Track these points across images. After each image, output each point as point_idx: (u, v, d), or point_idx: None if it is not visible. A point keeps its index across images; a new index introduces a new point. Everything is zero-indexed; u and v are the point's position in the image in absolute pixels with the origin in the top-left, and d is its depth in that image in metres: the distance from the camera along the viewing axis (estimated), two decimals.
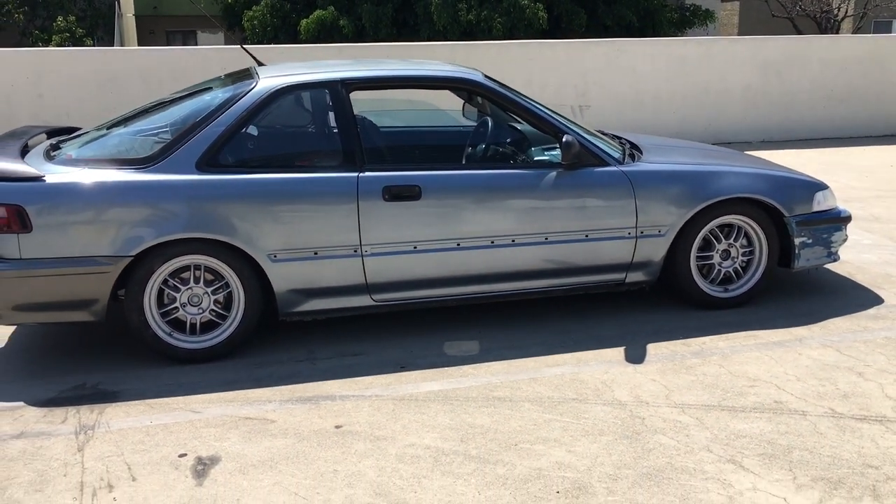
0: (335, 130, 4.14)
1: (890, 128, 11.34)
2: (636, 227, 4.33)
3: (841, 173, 8.79)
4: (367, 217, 4.00)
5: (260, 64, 4.66)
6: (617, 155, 4.45)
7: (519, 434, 3.24)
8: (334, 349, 4.14)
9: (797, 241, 4.55)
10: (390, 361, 3.98)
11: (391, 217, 4.04)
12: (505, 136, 4.55)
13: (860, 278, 5.10)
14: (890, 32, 32.44)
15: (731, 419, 3.33)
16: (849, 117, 11.23)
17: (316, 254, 3.99)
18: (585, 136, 4.40)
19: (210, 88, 4.33)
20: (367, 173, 4.03)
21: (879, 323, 4.34)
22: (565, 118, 4.73)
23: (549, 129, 4.30)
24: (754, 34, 21.47)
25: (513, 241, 4.21)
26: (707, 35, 27.28)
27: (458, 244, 4.15)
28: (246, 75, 4.30)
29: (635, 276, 4.44)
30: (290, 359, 4.03)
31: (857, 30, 28.50)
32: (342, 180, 4.00)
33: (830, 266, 5.32)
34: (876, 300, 4.70)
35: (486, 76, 4.51)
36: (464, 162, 4.55)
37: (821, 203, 4.64)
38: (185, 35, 35.40)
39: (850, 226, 6.31)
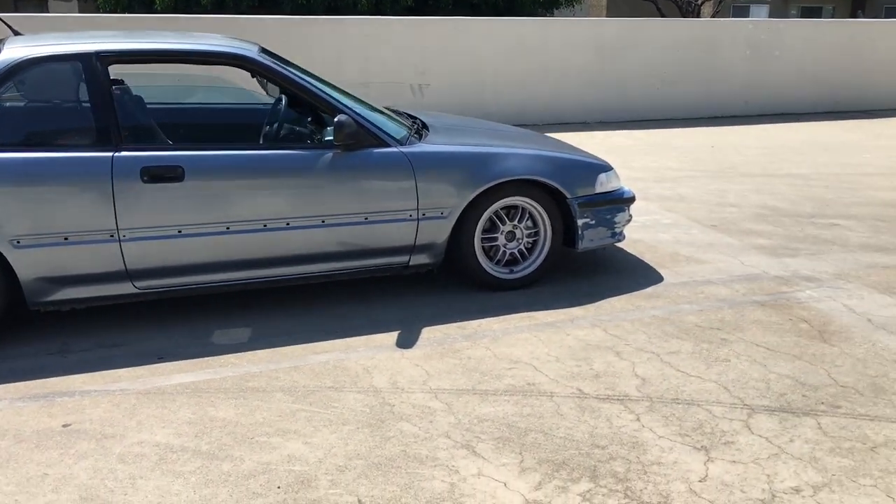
0: (88, 106, 3.87)
1: (718, 109, 11.83)
2: (418, 210, 4.27)
3: (663, 153, 9.09)
4: (124, 199, 3.77)
5: (16, 33, 4.32)
6: (399, 135, 4.37)
7: (260, 427, 3.12)
8: (93, 340, 3.90)
9: (580, 222, 4.61)
10: (150, 352, 3.78)
11: (151, 200, 3.82)
12: (287, 115, 4.39)
13: (649, 257, 5.25)
14: (748, 16, 34.00)
15: (479, 403, 3.32)
16: (680, 99, 11.65)
17: (66, 239, 3.73)
18: (366, 115, 4.29)
19: None
20: (124, 153, 3.80)
21: (652, 302, 4.46)
22: (353, 98, 4.63)
23: (325, 107, 4.17)
24: (621, 17, 21.95)
25: (287, 224, 4.07)
26: (574, 17, 27.83)
27: (228, 228, 3.97)
28: None
29: (420, 259, 4.39)
30: (39, 351, 3.77)
31: (715, 13, 29.66)
32: (94, 160, 3.75)
33: (624, 245, 5.45)
34: (657, 279, 4.84)
35: (262, 51, 4.34)
36: (234, 141, 4.36)
37: (603, 184, 4.72)
38: (39, 2, 33.47)
39: (653, 206, 6.54)
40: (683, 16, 27.80)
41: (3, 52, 3.77)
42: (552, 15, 22.17)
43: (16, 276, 3.71)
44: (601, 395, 3.38)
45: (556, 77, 10.95)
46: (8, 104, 3.83)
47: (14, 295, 3.78)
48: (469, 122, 5.45)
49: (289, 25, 9.59)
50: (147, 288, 3.95)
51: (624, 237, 4.89)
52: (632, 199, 4.88)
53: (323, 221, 4.13)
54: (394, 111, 5.15)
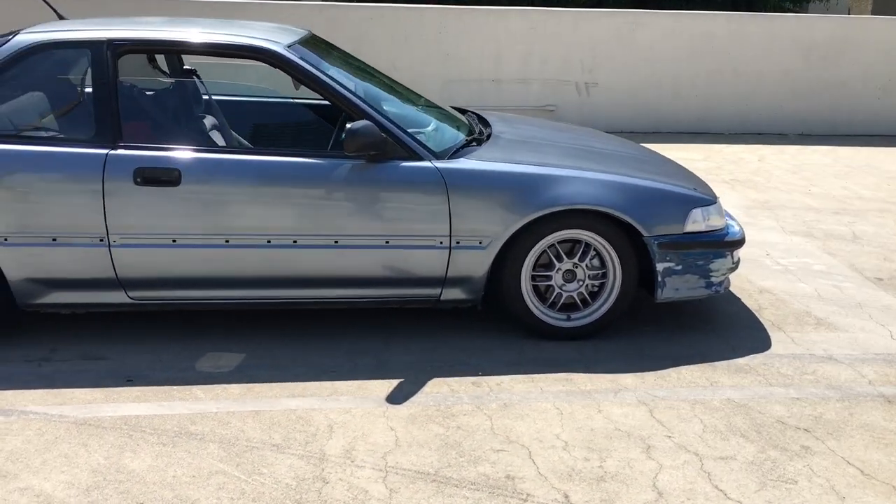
0: (91, 99, 3.59)
1: None
2: (450, 236, 3.62)
3: (861, 178, 7.61)
4: (115, 202, 3.46)
5: (60, 17, 4.17)
6: (441, 147, 3.73)
7: (161, 489, 2.65)
8: (80, 350, 3.64)
9: (660, 266, 3.73)
10: (125, 371, 3.45)
11: (144, 204, 3.49)
12: (309, 117, 3.89)
13: (768, 314, 4.20)
14: None
15: (431, 495, 2.63)
16: None
17: (55, 240, 3.49)
18: (399, 122, 3.68)
19: None
20: (120, 151, 3.48)
21: (736, 378, 3.49)
22: (405, 98, 4.07)
23: (351, 110, 3.61)
24: (889, 14, 19.35)
25: (294, 241, 3.58)
26: (828, 13, 25.02)
27: (227, 241, 3.55)
28: (16, 31, 3.79)
29: (453, 294, 3.74)
30: (19, 357, 3.55)
31: None
32: (86, 157, 3.46)
33: (743, 295, 4.42)
34: (761, 346, 3.82)
35: (308, 41, 3.88)
36: (243, 144, 3.89)
37: (698, 222, 3.78)
38: None
39: (812, 245, 5.37)
40: None
41: (16, 36, 3.58)
42: (804, 10, 19.73)
43: (3, 275, 3.51)
44: None
45: (749, 81, 9.61)
46: (9, 92, 3.62)
47: (5, 295, 3.58)
48: (553, 135, 4.64)
49: (448, 15, 9.09)
50: (142, 299, 3.63)
51: (725, 288, 3.92)
52: (738, 243, 3.90)
53: (336, 242, 3.59)
54: (467, 115, 4.51)
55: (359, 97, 3.65)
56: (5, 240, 3.45)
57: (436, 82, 8.99)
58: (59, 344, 3.69)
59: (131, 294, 3.60)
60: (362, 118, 3.56)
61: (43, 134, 3.60)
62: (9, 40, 3.56)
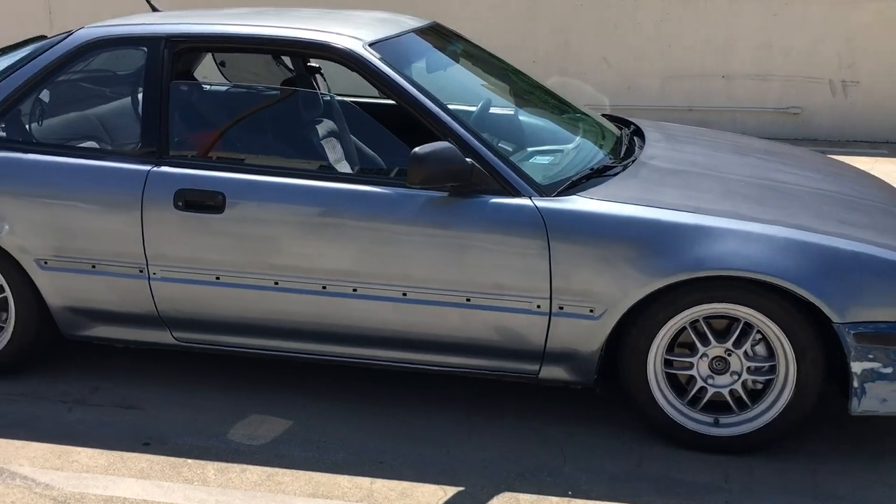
0: (141, 105, 3.08)
1: None
2: (550, 299, 2.71)
3: None
4: (154, 228, 2.95)
5: (154, 9, 3.73)
6: (551, 179, 2.81)
7: None
8: (118, 393, 3.16)
9: (858, 367, 2.55)
10: (150, 430, 2.92)
11: (185, 232, 2.95)
12: (382, 133, 3.11)
13: None
14: None
15: None
16: None
17: (94, 267, 3.03)
18: (491, 143, 2.82)
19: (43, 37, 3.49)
20: (164, 168, 2.95)
21: None
22: (553, 110, 3.26)
23: (434, 127, 2.80)
24: None
25: (354, 289, 2.85)
26: None
27: (276, 282, 2.91)
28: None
29: (555, 372, 2.82)
30: (55, 394, 3.14)
31: None
32: (127, 174, 2.97)
33: None
34: None
35: (415, 33, 3.19)
36: (313, 167, 3.16)
37: None
38: None
39: None
40: None
41: (77, 32, 3.16)
42: None
43: (45, 302, 3.12)
44: None
45: None
46: (60, 95, 3.21)
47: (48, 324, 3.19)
48: (726, 161, 3.38)
49: (679, 3, 7.85)
50: (187, 341, 3.09)
51: None
52: None
53: (404, 294, 2.82)
54: (625, 129, 3.53)
55: (445, 109, 2.82)
56: (45, 263, 3.05)
57: (653, 78, 7.85)
58: (105, 381, 3.25)
59: (176, 335, 3.08)
60: (446, 137, 2.74)
61: (89, 144, 3.16)
62: (70, 35, 3.15)
